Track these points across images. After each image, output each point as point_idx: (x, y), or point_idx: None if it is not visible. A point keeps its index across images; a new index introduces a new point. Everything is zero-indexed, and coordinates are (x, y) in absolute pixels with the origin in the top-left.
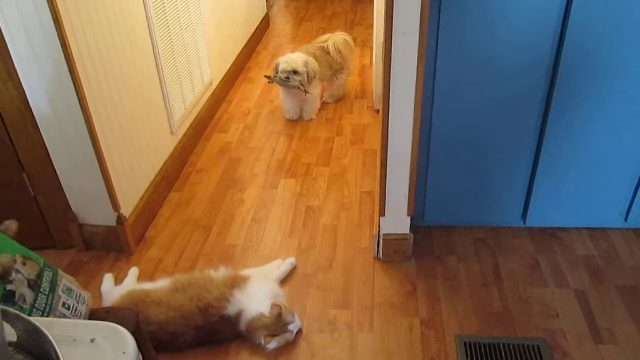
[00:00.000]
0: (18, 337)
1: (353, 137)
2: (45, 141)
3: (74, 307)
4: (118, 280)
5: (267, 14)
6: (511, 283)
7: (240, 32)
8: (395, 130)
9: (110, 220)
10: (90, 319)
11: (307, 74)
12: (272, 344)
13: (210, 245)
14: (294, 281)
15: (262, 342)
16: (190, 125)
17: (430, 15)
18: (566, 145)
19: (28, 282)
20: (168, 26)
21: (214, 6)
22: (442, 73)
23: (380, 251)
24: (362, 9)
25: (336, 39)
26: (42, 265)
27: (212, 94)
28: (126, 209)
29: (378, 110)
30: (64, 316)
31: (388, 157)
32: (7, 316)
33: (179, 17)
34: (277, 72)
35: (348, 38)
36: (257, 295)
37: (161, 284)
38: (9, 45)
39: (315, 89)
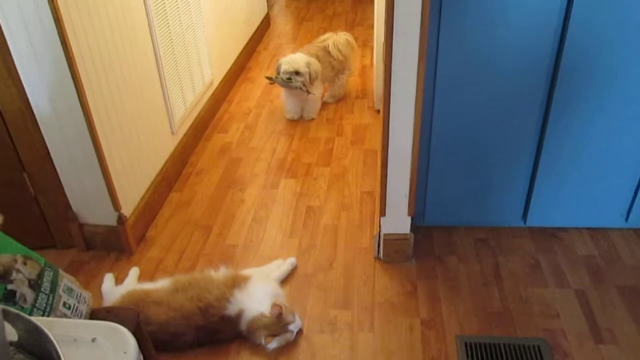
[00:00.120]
0: (19, 336)
1: (354, 137)
2: (46, 140)
3: (75, 307)
4: (119, 280)
5: (267, 14)
6: (512, 283)
7: (241, 32)
8: (395, 131)
9: (110, 220)
10: (91, 318)
11: (310, 74)
12: (273, 344)
13: (210, 246)
14: (294, 281)
15: (263, 342)
16: (191, 125)
17: (430, 15)
18: (567, 145)
19: (29, 281)
20: (169, 26)
21: (214, 6)
22: (442, 73)
23: (381, 251)
24: (363, 9)
25: (337, 38)
26: (42, 265)
27: (213, 94)
28: (127, 209)
29: (379, 111)
30: (65, 316)
31: (389, 157)
32: (8, 316)
33: (179, 16)
34: (278, 73)
35: (350, 38)
36: (257, 296)
37: (162, 284)
38: (9, 44)
39: (317, 90)
